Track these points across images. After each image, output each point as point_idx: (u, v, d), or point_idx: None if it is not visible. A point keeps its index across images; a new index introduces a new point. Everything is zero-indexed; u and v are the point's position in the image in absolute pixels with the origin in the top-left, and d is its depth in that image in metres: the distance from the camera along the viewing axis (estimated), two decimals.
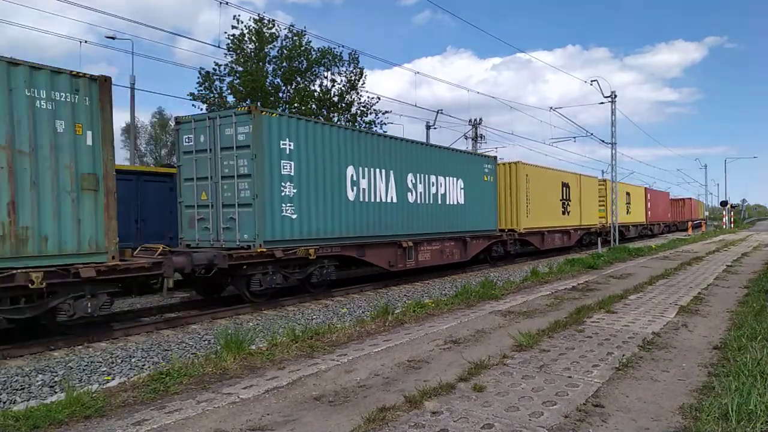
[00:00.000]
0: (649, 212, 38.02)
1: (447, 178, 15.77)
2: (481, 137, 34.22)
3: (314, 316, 10.01)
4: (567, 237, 23.94)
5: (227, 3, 15.71)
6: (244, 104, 21.68)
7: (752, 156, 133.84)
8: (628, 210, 32.49)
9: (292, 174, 10.84)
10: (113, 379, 6.09)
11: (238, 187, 10.35)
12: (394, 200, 13.65)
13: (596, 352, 5.88)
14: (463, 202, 16.44)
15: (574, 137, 31.28)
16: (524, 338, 6.35)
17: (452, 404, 4.29)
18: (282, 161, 10.61)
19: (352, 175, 12.33)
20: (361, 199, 12.62)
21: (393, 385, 4.84)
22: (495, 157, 19.06)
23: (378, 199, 13.13)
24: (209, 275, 9.88)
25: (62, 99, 7.36)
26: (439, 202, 15.44)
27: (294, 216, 10.87)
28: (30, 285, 6.91)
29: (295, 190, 10.88)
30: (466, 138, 34.22)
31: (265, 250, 10.21)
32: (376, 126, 24.95)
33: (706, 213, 74.02)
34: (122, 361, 7.02)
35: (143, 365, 6.87)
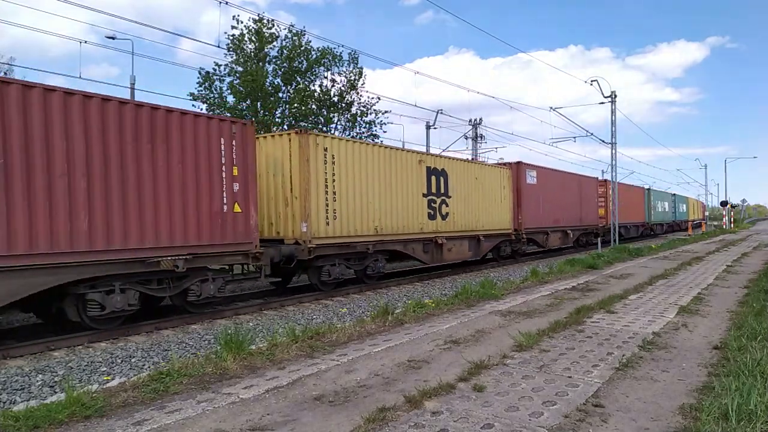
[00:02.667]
0: (700, 213, 65.76)
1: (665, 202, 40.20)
2: (481, 137, 34.23)
3: (314, 316, 10.01)
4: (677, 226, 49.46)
5: (227, 3, 15.70)
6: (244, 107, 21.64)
7: (752, 156, 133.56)
8: (692, 213, 58.01)
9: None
10: (113, 379, 6.09)
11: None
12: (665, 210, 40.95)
13: (596, 352, 5.88)
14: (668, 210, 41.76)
15: (574, 137, 31.03)
16: (524, 338, 6.35)
17: (452, 404, 4.29)
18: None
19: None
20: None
21: (393, 385, 4.84)
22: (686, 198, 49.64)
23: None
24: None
25: None
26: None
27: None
28: None
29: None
30: (466, 138, 34.24)
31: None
32: (375, 126, 24.93)
33: (706, 213, 73.96)
34: (122, 361, 7.02)
35: (143, 365, 6.87)
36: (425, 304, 9.11)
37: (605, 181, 29.86)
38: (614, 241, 26.33)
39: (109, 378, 6.27)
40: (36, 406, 4.40)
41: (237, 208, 9.76)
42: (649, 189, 38.22)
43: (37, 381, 6.12)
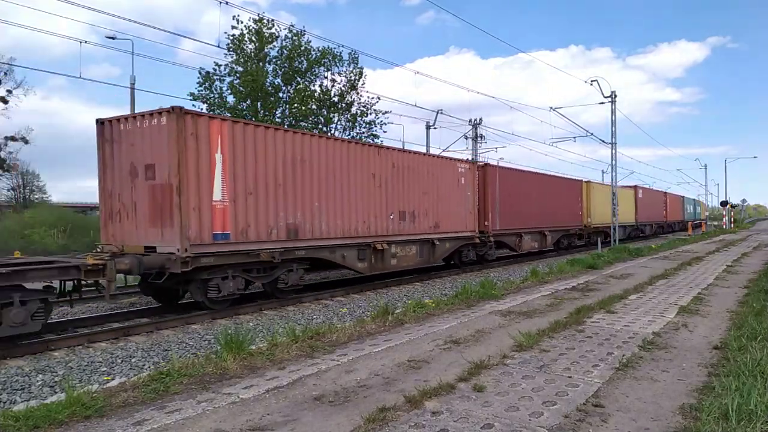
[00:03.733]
0: (703, 213, 72.95)
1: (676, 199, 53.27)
2: (481, 137, 34.23)
3: (314, 316, 10.02)
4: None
5: (227, 3, 15.69)
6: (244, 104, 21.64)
7: (752, 156, 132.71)
8: (702, 213, 68.30)
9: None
10: (113, 379, 6.09)
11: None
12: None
13: (596, 352, 5.89)
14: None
15: (575, 137, 31.06)
16: (524, 338, 6.36)
17: (452, 404, 4.30)
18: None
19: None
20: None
21: (393, 385, 4.84)
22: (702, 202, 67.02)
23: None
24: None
25: None
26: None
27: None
28: None
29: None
30: (466, 138, 34.23)
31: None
32: (375, 126, 24.91)
33: (707, 213, 73.89)
34: (122, 361, 7.02)
35: (143, 365, 6.87)
36: (425, 304, 9.12)
37: (665, 192, 47.41)
38: (614, 240, 26.34)
39: (109, 378, 6.27)
40: (36, 406, 4.41)
41: (579, 212, 25.55)
42: (683, 197, 55.51)
43: (37, 381, 6.13)
